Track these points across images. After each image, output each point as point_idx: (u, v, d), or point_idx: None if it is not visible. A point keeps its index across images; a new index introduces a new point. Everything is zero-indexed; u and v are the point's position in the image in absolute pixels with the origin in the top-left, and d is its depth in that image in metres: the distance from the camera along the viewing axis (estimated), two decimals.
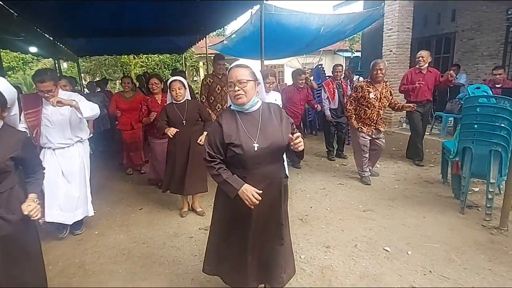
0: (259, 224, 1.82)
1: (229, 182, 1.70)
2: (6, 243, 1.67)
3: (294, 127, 1.89)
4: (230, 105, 1.83)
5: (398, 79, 7.28)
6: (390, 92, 4.15)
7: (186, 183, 3.37)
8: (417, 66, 4.87)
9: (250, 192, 1.66)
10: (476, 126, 3.20)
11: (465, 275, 2.36)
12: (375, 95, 3.98)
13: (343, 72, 5.57)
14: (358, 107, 4.13)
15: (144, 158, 5.10)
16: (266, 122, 1.77)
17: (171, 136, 3.29)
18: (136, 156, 5.00)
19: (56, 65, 8.20)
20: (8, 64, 15.72)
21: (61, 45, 8.29)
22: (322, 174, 4.79)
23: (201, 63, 17.34)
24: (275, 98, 3.85)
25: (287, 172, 1.99)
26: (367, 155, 4.22)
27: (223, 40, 9.94)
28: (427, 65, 4.80)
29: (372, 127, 4.11)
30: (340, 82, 5.31)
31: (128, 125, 4.77)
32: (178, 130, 3.29)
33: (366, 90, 4.02)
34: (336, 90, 5.23)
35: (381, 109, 4.05)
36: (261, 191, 1.68)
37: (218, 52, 7.69)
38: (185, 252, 2.83)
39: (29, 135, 1.95)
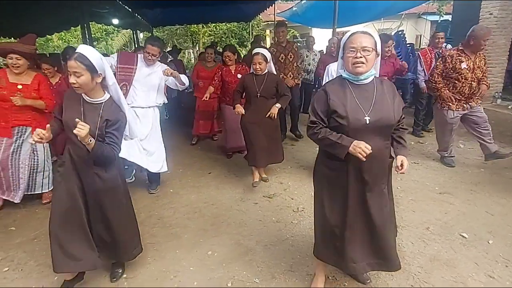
0: (359, 203, 1.75)
1: (339, 142, 1.63)
2: (99, 197, 1.95)
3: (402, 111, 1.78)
4: (340, 74, 1.75)
5: (497, 47, 6.28)
6: (485, 61, 3.55)
7: (265, 155, 3.46)
8: None
9: (362, 144, 1.58)
10: None
11: None
12: (467, 65, 3.43)
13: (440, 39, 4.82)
14: (446, 80, 3.62)
15: (217, 127, 5.23)
16: (380, 96, 1.69)
17: (241, 114, 3.40)
18: (205, 125, 5.16)
19: (134, 35, 8.85)
20: (94, 35, 17.43)
21: (138, 16, 8.87)
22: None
23: (267, 31, 17.07)
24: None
25: (392, 153, 1.87)
26: (453, 134, 3.77)
27: (293, 7, 9.55)
28: None
29: (463, 102, 3.58)
30: (440, 51, 4.75)
31: (204, 93, 4.93)
32: (243, 113, 3.38)
33: (457, 60, 3.47)
34: (433, 60, 4.66)
35: (474, 82, 3.48)
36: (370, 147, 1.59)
37: (282, 19, 7.45)
38: (250, 216, 2.97)
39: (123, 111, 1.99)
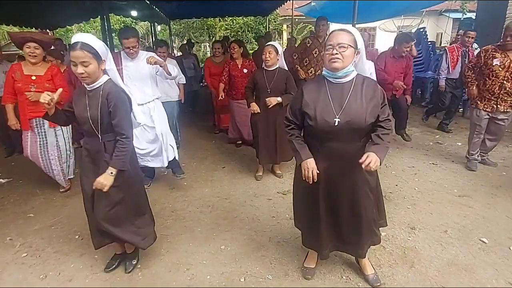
0: (329, 198, 1.86)
1: (298, 151, 1.79)
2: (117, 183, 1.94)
3: (387, 112, 1.76)
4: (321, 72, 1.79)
5: None
6: None
7: (277, 152, 3.48)
8: None
9: (310, 167, 1.73)
10: None
11: None
12: (501, 62, 3.27)
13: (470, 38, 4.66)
14: (479, 76, 3.48)
15: None
16: (354, 96, 1.69)
17: (255, 112, 3.39)
18: (226, 119, 5.13)
19: (151, 27, 8.89)
20: (112, 26, 17.56)
21: (156, 8, 8.91)
22: (411, 151, 4.39)
23: (284, 26, 16.90)
24: (369, 66, 3.50)
25: None
26: (480, 136, 3.61)
27: (311, 2, 9.39)
28: None
29: (492, 102, 3.42)
30: (468, 50, 4.63)
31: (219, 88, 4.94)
32: (259, 112, 3.38)
33: (491, 55, 3.32)
34: (460, 58, 4.57)
35: (507, 81, 3.29)
36: (317, 172, 1.73)
37: (300, 14, 7.31)
38: (263, 212, 2.96)
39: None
